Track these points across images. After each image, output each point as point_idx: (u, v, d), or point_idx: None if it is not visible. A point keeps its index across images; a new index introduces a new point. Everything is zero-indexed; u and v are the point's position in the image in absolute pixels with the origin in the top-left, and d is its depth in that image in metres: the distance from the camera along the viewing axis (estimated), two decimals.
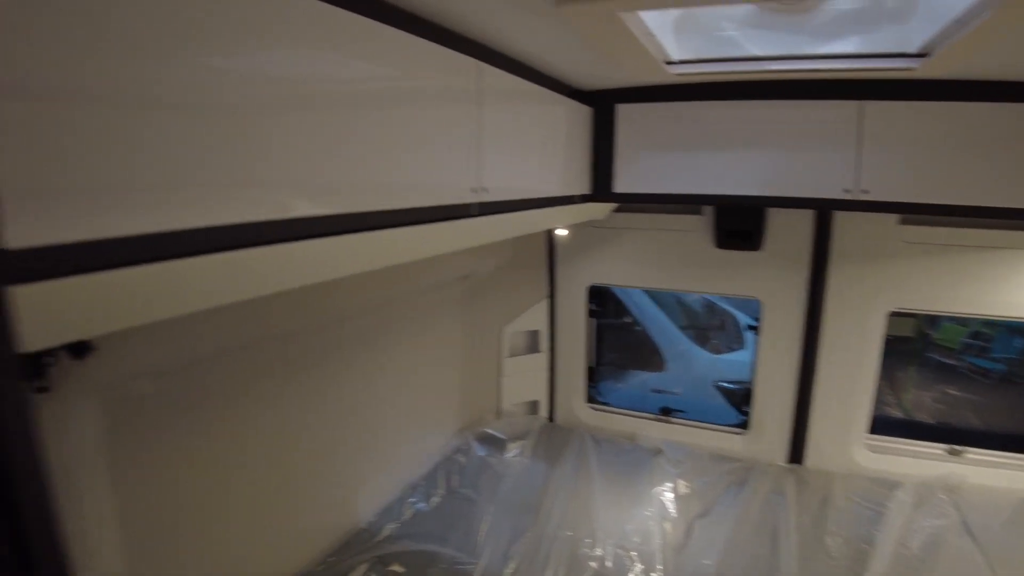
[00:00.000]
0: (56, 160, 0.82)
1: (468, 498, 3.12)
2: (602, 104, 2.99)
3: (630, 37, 1.90)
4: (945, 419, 5.02)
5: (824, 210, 3.22)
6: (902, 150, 2.56)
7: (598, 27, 1.80)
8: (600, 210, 3.22)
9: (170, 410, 1.94)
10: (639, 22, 1.90)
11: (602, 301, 4.36)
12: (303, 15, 1.24)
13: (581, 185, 2.99)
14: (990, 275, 3.06)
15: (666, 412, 3.92)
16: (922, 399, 5.21)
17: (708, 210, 3.51)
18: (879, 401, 3.47)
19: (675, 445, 3.59)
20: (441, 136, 1.80)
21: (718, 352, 5.72)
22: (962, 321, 5.80)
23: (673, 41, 2.31)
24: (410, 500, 3.04)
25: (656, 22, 2.03)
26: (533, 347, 4.09)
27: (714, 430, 3.74)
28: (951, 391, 5.25)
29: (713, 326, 6.12)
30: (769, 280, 3.45)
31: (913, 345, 5.80)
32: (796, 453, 3.48)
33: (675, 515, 3.01)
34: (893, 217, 3.13)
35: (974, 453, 3.25)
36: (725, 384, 4.67)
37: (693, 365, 5.29)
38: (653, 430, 3.79)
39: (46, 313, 0.80)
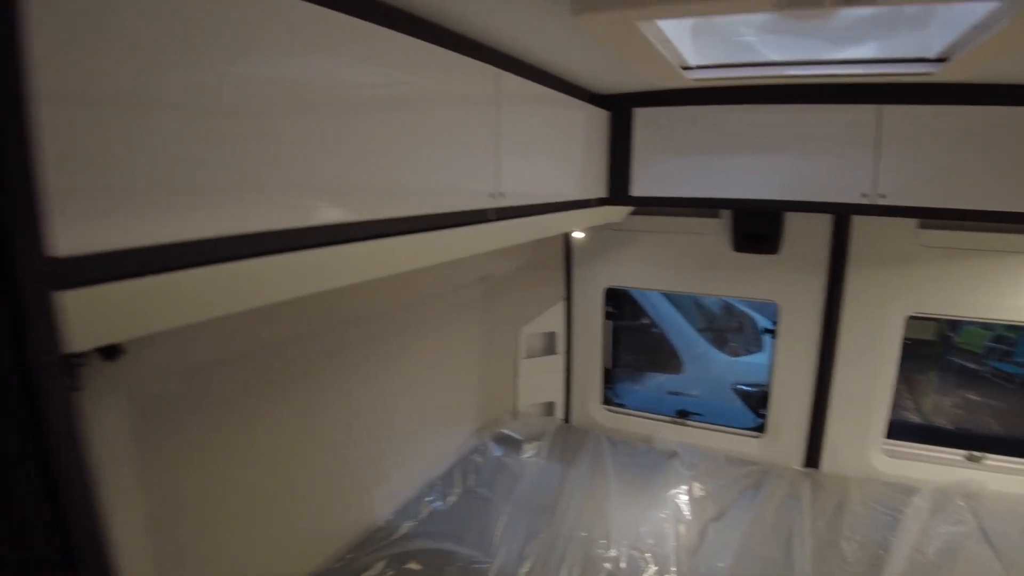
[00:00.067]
0: (97, 173, 0.87)
1: (484, 497, 3.15)
2: (619, 108, 3.00)
3: (647, 44, 1.92)
4: (965, 424, 4.96)
5: (841, 215, 3.21)
6: (920, 154, 2.56)
7: (615, 36, 1.83)
8: (617, 213, 3.24)
9: (193, 409, 1.99)
10: (656, 30, 1.92)
11: (619, 303, 4.37)
12: (332, 26, 1.30)
13: (598, 188, 3.01)
14: (1010, 279, 3.03)
15: (683, 415, 3.92)
16: (942, 404, 5.15)
17: (726, 213, 3.51)
18: (897, 405, 3.45)
19: (690, 448, 3.60)
20: (460, 143, 1.84)
21: (736, 355, 5.70)
22: (985, 324, 5.73)
23: (690, 47, 2.32)
24: (427, 499, 3.08)
25: (673, 29, 2.04)
26: (549, 349, 4.11)
27: (730, 433, 3.74)
28: (972, 396, 5.18)
29: (731, 328, 6.09)
30: (786, 283, 3.44)
31: (934, 348, 5.73)
32: (812, 457, 3.47)
33: (689, 518, 3.02)
34: (912, 221, 3.11)
35: (994, 459, 3.22)
36: (743, 387, 4.65)
37: (710, 367, 5.28)
38: (669, 432, 3.80)
39: (89, 316, 0.85)
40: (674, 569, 2.68)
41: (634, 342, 5.21)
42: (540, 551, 2.73)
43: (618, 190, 3.09)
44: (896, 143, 2.56)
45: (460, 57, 1.78)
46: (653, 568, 2.67)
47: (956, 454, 3.28)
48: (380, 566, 2.55)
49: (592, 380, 4.08)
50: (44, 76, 0.76)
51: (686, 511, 3.07)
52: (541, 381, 4.08)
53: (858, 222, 3.23)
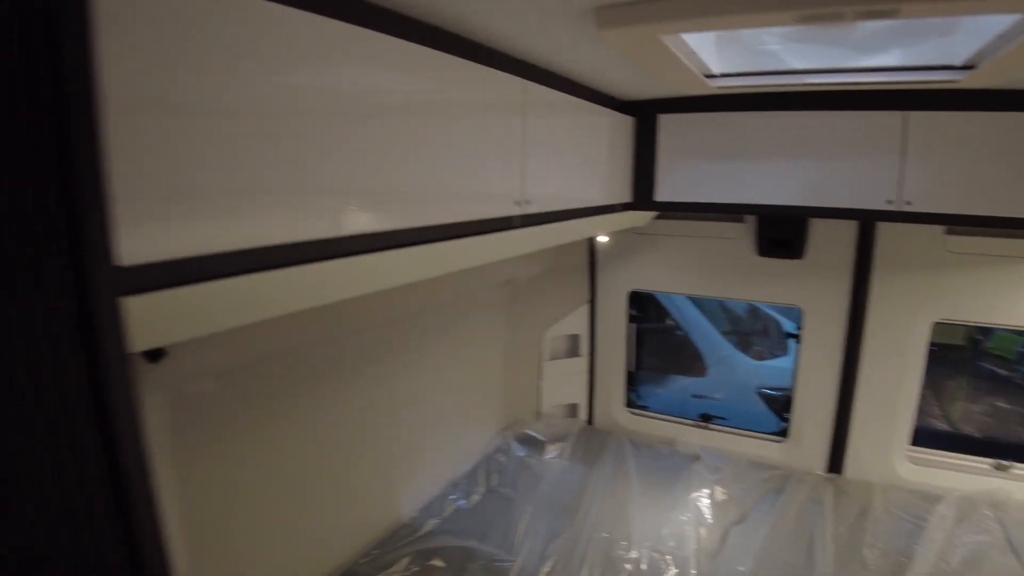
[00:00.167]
0: (156, 191, 0.95)
1: (507, 497, 3.20)
2: (644, 114, 3.03)
3: (671, 56, 1.95)
4: (992, 433, 4.87)
5: (866, 221, 3.20)
6: (947, 161, 2.54)
7: (639, 48, 1.86)
8: (641, 218, 3.26)
9: (225, 408, 2.07)
10: (680, 42, 1.95)
11: (643, 306, 4.38)
12: (372, 44, 1.38)
13: (622, 194, 3.03)
14: None
15: (706, 418, 3.93)
16: (970, 411, 5.06)
17: (750, 218, 3.51)
18: (923, 412, 3.42)
19: (713, 452, 3.61)
20: (488, 153, 1.90)
21: (761, 358, 5.66)
22: (1018, 330, 5.62)
23: (714, 55, 2.35)
24: (451, 497, 3.14)
25: (697, 39, 2.07)
26: (573, 351, 4.14)
27: (753, 437, 3.74)
28: (1001, 403, 5.08)
29: (756, 331, 6.06)
30: (811, 288, 3.44)
31: (963, 354, 5.63)
32: (835, 463, 3.45)
33: (711, 521, 3.03)
34: (939, 227, 3.09)
35: (1022, 469, 3.18)
36: (767, 390, 4.64)
37: (735, 371, 5.25)
38: (692, 436, 3.81)
39: (149, 320, 0.93)
40: (694, 572, 2.70)
41: (658, 344, 5.21)
42: (562, 551, 2.77)
43: (643, 195, 3.12)
44: (922, 149, 2.55)
45: (489, 71, 1.84)
46: (673, 571, 2.70)
47: (983, 462, 3.24)
48: (405, 562, 2.61)
49: (615, 383, 4.10)
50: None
51: (707, 514, 3.09)
52: (565, 383, 4.11)
53: (884, 227, 3.21)
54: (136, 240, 0.90)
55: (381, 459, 2.83)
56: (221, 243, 1.08)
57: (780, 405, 4.02)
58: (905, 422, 3.30)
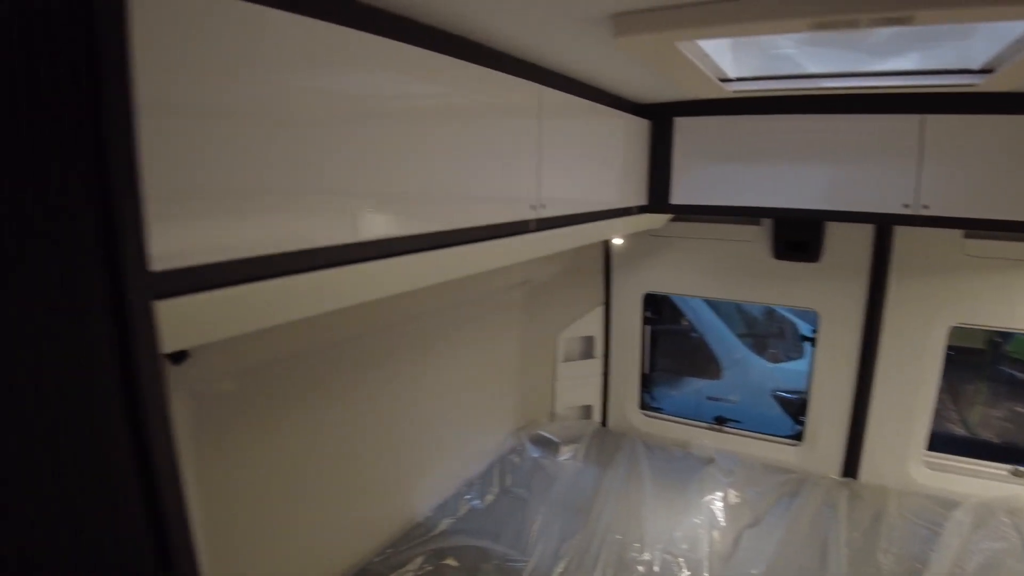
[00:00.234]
0: (186, 200, 0.99)
1: (521, 498, 3.22)
2: (659, 117, 3.04)
3: (686, 61, 1.96)
4: (1011, 438, 4.82)
5: (883, 225, 3.18)
6: (964, 164, 2.52)
7: (655, 54, 1.87)
8: (657, 220, 3.27)
9: (244, 407, 2.11)
10: (696, 48, 1.96)
11: (658, 307, 4.38)
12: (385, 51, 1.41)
13: (638, 196, 3.04)
14: None
15: (720, 421, 3.93)
16: (988, 416, 5.01)
17: (766, 220, 3.50)
18: (941, 417, 3.40)
19: (727, 455, 3.61)
20: (504, 158, 1.92)
21: (776, 361, 5.64)
22: None
23: (730, 60, 2.35)
24: (466, 497, 3.16)
25: (713, 44, 2.08)
26: (588, 353, 4.15)
27: (768, 441, 3.73)
28: (1020, 409, 5.02)
29: (772, 334, 6.03)
30: (827, 291, 3.42)
31: (982, 358, 5.57)
32: (850, 467, 3.44)
33: (724, 524, 3.03)
34: (957, 230, 3.07)
35: None
36: (783, 393, 4.62)
37: (750, 373, 5.23)
38: (706, 439, 3.81)
39: (178, 323, 0.96)
40: (707, 575, 2.70)
41: (673, 346, 5.20)
42: (575, 552, 2.79)
43: (658, 198, 3.12)
44: (939, 153, 2.54)
45: (506, 77, 1.87)
46: (686, 573, 2.71)
47: (1001, 468, 3.21)
48: (419, 561, 2.64)
49: (630, 384, 4.10)
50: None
51: (721, 517, 3.08)
52: (579, 384, 4.13)
53: (901, 231, 3.19)
54: (167, 246, 0.94)
55: (396, 458, 2.86)
56: (246, 248, 1.12)
57: (795, 408, 4.01)
58: (922, 427, 3.28)
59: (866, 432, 3.39)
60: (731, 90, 2.53)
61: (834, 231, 3.34)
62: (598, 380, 4.16)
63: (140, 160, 0.85)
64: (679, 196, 3.09)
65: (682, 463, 3.60)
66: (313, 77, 1.23)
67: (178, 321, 0.96)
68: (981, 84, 2.22)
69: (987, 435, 4.84)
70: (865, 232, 3.26)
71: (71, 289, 0.77)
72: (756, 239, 3.55)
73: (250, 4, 1.06)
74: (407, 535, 2.83)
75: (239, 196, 1.10)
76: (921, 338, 3.22)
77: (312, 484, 2.42)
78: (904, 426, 3.30)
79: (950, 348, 3.25)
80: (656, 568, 2.73)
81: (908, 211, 2.61)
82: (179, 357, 1.34)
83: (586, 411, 4.21)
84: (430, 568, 2.61)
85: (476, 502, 3.15)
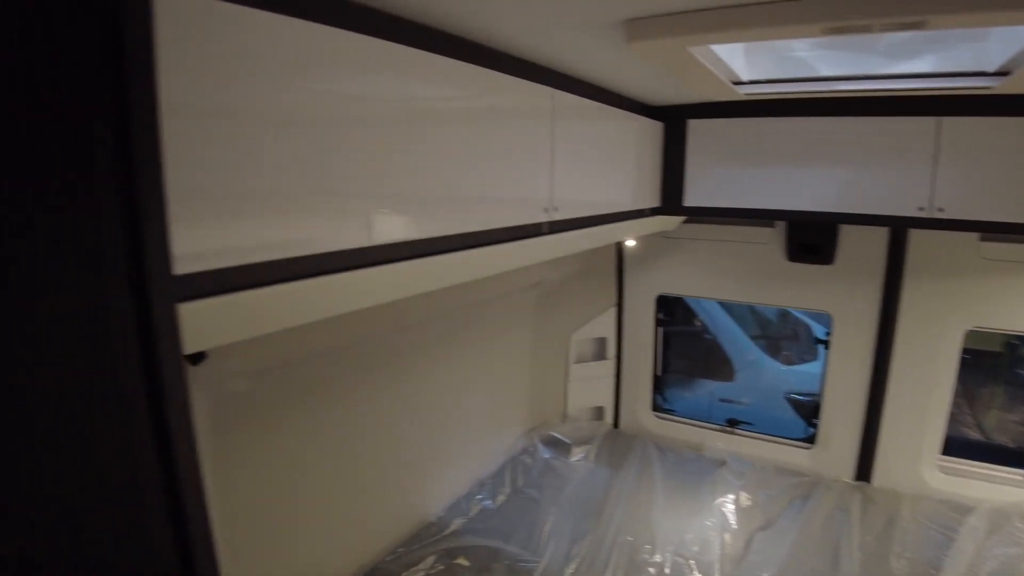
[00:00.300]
0: (207, 204, 1.03)
1: (532, 498, 3.23)
2: (673, 119, 3.04)
3: (699, 65, 1.97)
4: None
5: (897, 228, 3.16)
6: (980, 167, 2.51)
7: (668, 59, 1.88)
8: (670, 222, 3.27)
9: (258, 408, 2.13)
10: (709, 51, 1.96)
11: (671, 309, 4.38)
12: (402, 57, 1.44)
13: (651, 198, 3.05)
14: None
15: (733, 423, 3.92)
16: (1005, 421, 4.95)
17: (780, 223, 3.49)
18: (956, 421, 3.37)
19: (739, 457, 3.60)
20: (518, 161, 1.94)
21: (790, 363, 5.61)
22: None
23: (743, 63, 2.36)
24: (477, 497, 3.18)
25: (726, 48, 2.08)
26: (600, 354, 4.16)
27: (780, 443, 3.72)
28: None
29: (786, 336, 6.00)
30: (841, 294, 3.41)
31: (999, 361, 5.51)
32: (863, 470, 3.42)
33: (735, 527, 3.03)
34: (973, 233, 3.04)
35: None
36: (796, 396, 4.60)
37: (763, 375, 5.21)
38: (718, 441, 3.80)
39: (199, 324, 0.99)
40: None
41: (685, 348, 5.19)
42: (586, 553, 2.80)
43: (671, 200, 3.13)
44: (955, 155, 2.52)
45: (520, 81, 1.89)
46: (697, 575, 2.71)
47: (1017, 474, 3.18)
48: (430, 560, 2.66)
49: (642, 386, 4.10)
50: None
51: (732, 520, 3.08)
52: (591, 386, 4.13)
53: (916, 233, 3.17)
54: (190, 250, 0.97)
55: (409, 458, 2.88)
56: (266, 252, 1.15)
57: (809, 411, 3.99)
58: (936, 431, 3.26)
59: (880, 435, 3.37)
60: (744, 93, 2.53)
61: (848, 233, 3.32)
62: (610, 381, 4.16)
63: (164, 166, 0.88)
64: (692, 198, 3.09)
65: (694, 465, 3.59)
66: (332, 83, 1.26)
67: (200, 323, 0.99)
68: (997, 87, 2.20)
69: (1003, 440, 4.79)
70: (879, 235, 3.24)
71: (97, 292, 0.79)
72: (770, 241, 3.54)
73: (274, 14, 1.09)
74: (419, 534, 2.85)
75: (259, 200, 1.13)
76: (936, 341, 3.19)
77: (325, 483, 2.44)
78: (918, 430, 3.27)
79: (966, 351, 3.22)
80: (667, 570, 2.73)
81: (923, 214, 2.59)
82: (197, 358, 1.36)
83: (598, 412, 4.21)
84: (441, 567, 2.63)
85: (488, 502, 3.16)
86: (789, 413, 4.48)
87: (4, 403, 0.74)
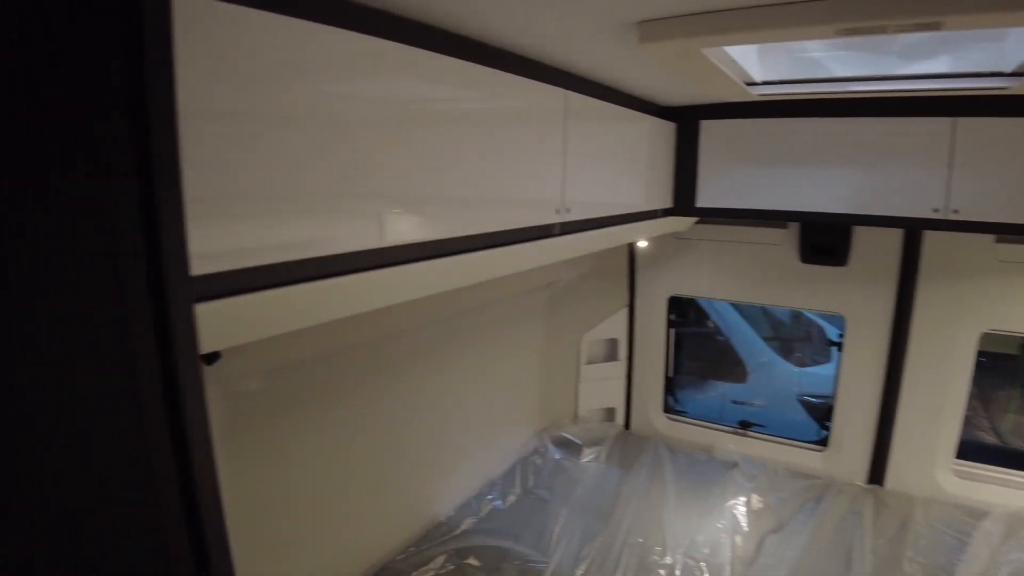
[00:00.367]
0: (223, 205, 1.04)
1: (543, 499, 3.23)
2: (686, 120, 3.03)
3: (711, 66, 1.96)
4: None
5: (912, 230, 3.14)
6: (996, 168, 2.48)
7: (681, 60, 1.87)
8: (682, 223, 3.26)
9: (270, 408, 2.15)
10: (722, 52, 1.96)
11: (683, 310, 4.36)
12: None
13: (663, 199, 3.04)
14: None
15: (745, 425, 3.90)
16: (1020, 424, 4.89)
17: (793, 224, 3.47)
18: (970, 424, 3.34)
19: (751, 459, 3.58)
20: (530, 163, 1.94)
21: (803, 365, 5.58)
22: None
23: (756, 64, 2.34)
24: (488, 497, 3.18)
25: (739, 49, 2.07)
26: (611, 355, 4.15)
27: (793, 446, 3.70)
28: None
29: (799, 337, 5.96)
30: (854, 296, 3.38)
31: (1016, 364, 5.45)
32: (876, 474, 3.39)
33: (747, 529, 3.01)
34: (988, 235, 3.01)
35: None
36: (809, 398, 4.57)
37: (775, 377, 5.19)
38: (730, 443, 3.78)
39: (215, 325, 1.00)
40: None
41: (697, 349, 5.17)
42: (596, 554, 2.79)
43: (684, 201, 3.12)
44: (970, 156, 2.50)
45: (532, 83, 1.89)
46: None
47: None
48: (441, 560, 2.66)
49: (653, 388, 4.09)
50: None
51: (744, 522, 3.07)
52: (602, 387, 4.12)
53: (931, 235, 3.14)
54: (206, 250, 0.98)
55: (419, 458, 2.89)
56: (281, 253, 1.16)
57: (821, 413, 3.97)
58: (950, 434, 3.23)
59: (893, 438, 3.34)
60: (757, 94, 2.52)
61: (862, 235, 3.30)
62: (622, 383, 4.16)
63: (182, 167, 0.89)
64: (705, 199, 3.08)
65: (705, 467, 3.58)
66: (347, 85, 1.28)
67: (216, 323, 1.00)
68: (1014, 87, 2.18)
69: (1019, 444, 4.74)
70: (894, 236, 3.22)
71: (116, 293, 0.80)
72: (783, 242, 3.52)
73: (291, 18, 1.10)
74: (429, 534, 2.86)
75: (274, 202, 1.14)
76: (950, 344, 3.16)
77: (335, 483, 2.45)
78: (932, 433, 3.24)
79: (981, 354, 3.20)
80: (677, 572, 2.72)
81: (938, 215, 2.57)
82: (212, 358, 1.37)
83: (609, 414, 4.20)
84: (451, 567, 2.64)
85: (498, 503, 3.17)
86: (801, 415, 4.46)
87: (24, 402, 0.75)
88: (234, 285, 1.06)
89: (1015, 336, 4.99)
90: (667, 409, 4.12)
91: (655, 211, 2.95)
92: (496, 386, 3.46)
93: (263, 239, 1.13)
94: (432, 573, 2.60)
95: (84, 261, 0.79)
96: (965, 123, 2.48)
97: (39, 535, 0.77)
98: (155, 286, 0.83)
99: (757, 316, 5.64)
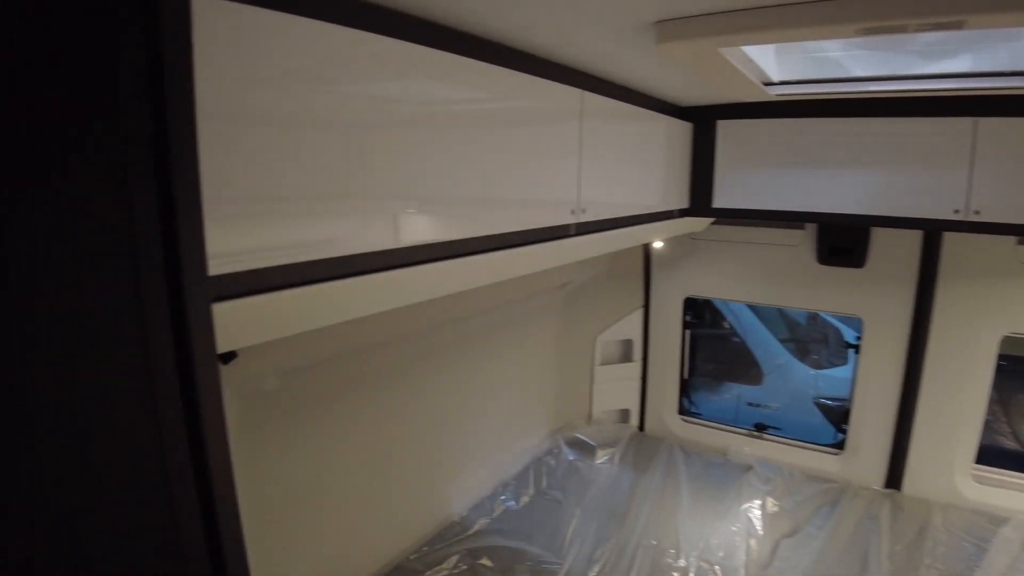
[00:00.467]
0: (239, 206, 1.05)
1: (556, 500, 3.23)
2: (702, 120, 3.01)
3: (729, 66, 1.94)
4: None
5: (932, 231, 3.10)
6: (1018, 169, 2.44)
7: (698, 60, 1.86)
8: (698, 224, 3.24)
9: (285, 407, 2.16)
10: (739, 52, 1.94)
11: (698, 311, 4.34)
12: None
13: (679, 200, 3.02)
14: None
15: (760, 428, 3.87)
16: None
17: (810, 225, 3.44)
18: (990, 429, 3.29)
19: (767, 462, 3.55)
20: (546, 164, 1.94)
21: (819, 367, 5.53)
22: None
23: (773, 64, 2.33)
24: (501, 497, 3.19)
25: (756, 49, 2.06)
26: (626, 356, 4.14)
27: (809, 449, 3.66)
28: None
29: (815, 339, 5.91)
30: (872, 298, 3.34)
31: None
32: (894, 478, 3.35)
33: (762, 533, 2.99)
34: (1010, 236, 2.97)
35: None
36: (825, 400, 4.53)
37: (791, 379, 5.14)
38: (745, 445, 3.76)
39: (232, 324, 1.01)
40: None
41: (713, 350, 5.14)
42: (609, 556, 2.79)
43: (700, 201, 3.10)
44: (992, 157, 2.46)
45: (549, 83, 1.89)
46: None
47: None
48: (454, 560, 2.67)
49: (668, 389, 4.07)
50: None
51: (758, 526, 3.04)
52: (616, 388, 4.11)
53: (950, 236, 3.10)
54: (224, 250, 0.99)
55: (433, 458, 2.90)
56: (297, 253, 1.17)
57: (838, 416, 3.93)
58: (970, 438, 3.18)
59: (911, 442, 3.30)
60: (775, 94, 2.50)
61: (880, 236, 3.26)
62: (636, 384, 4.14)
63: (200, 168, 0.89)
64: (722, 200, 3.06)
65: (720, 470, 3.56)
66: (364, 86, 1.28)
67: (233, 323, 1.01)
68: None
69: None
70: (913, 237, 3.18)
71: (134, 293, 0.81)
72: (800, 244, 3.49)
73: (310, 20, 1.11)
74: (442, 534, 2.86)
75: (291, 202, 1.14)
76: (970, 347, 3.12)
77: (350, 482, 2.46)
78: (951, 437, 3.20)
79: (1002, 357, 3.15)
80: (691, 575, 2.71)
81: (959, 217, 2.53)
82: (228, 357, 1.38)
83: (623, 415, 4.19)
84: (464, 567, 2.64)
85: (511, 503, 3.17)
86: (818, 418, 4.42)
87: (42, 400, 0.75)
88: (251, 285, 1.07)
89: None
90: (682, 411, 4.10)
91: (671, 212, 2.93)
92: (510, 386, 3.46)
93: (280, 239, 1.13)
94: (445, 573, 2.61)
95: (102, 261, 0.80)
96: (987, 123, 2.45)
97: (55, 535, 0.77)
98: (173, 286, 0.84)
99: (773, 317, 5.60)
